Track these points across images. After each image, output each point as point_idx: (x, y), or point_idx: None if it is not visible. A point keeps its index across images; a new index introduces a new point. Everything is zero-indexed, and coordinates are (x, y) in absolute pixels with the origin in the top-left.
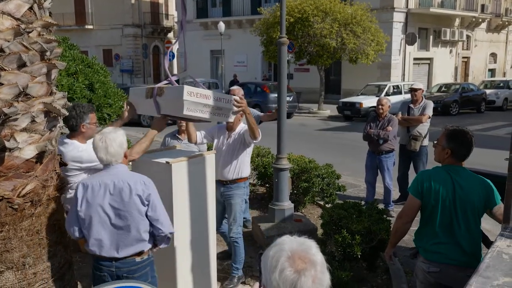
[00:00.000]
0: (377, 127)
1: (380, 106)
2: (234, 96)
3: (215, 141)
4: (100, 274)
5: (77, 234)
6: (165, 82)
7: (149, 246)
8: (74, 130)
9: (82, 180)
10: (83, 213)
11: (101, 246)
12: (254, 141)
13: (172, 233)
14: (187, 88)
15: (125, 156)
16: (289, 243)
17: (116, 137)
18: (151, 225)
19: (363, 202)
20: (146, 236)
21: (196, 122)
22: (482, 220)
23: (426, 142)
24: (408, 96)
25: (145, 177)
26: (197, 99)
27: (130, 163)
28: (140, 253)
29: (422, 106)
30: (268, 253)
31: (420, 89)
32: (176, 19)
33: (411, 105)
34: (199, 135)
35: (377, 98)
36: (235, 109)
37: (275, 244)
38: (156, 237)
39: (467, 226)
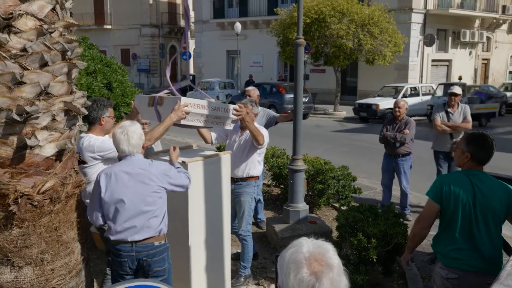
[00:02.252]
0: (393, 130)
1: (397, 109)
2: (233, 105)
3: (228, 139)
4: (120, 260)
5: (100, 221)
6: (166, 91)
7: (166, 228)
8: (93, 123)
9: (103, 169)
10: (108, 200)
11: (124, 231)
12: (259, 147)
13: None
14: (183, 100)
15: (142, 147)
16: (306, 245)
17: (136, 129)
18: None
19: (379, 205)
20: (165, 217)
21: (198, 128)
22: (503, 226)
23: None
24: (426, 98)
25: (162, 163)
26: (193, 110)
27: None
28: (158, 235)
29: (462, 111)
30: (285, 254)
31: (460, 94)
32: (193, 20)
33: (449, 110)
34: (213, 136)
35: (394, 99)
36: (234, 117)
37: (292, 246)
38: None
39: (487, 232)
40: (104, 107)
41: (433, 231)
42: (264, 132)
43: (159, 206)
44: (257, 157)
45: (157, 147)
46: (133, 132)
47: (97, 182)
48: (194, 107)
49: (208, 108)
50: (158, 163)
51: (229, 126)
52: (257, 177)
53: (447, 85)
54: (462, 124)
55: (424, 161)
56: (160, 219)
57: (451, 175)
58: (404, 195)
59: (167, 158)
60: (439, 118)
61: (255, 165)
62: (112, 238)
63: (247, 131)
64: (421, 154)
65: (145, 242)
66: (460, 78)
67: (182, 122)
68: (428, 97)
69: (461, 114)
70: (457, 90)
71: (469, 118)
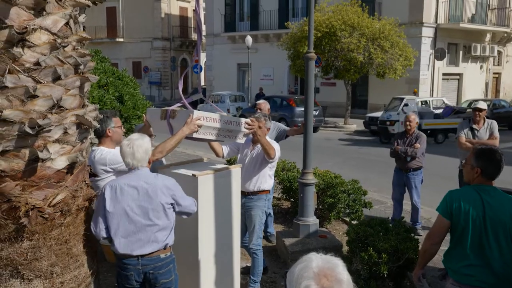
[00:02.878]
0: (404, 144)
1: (408, 123)
2: (244, 119)
3: (240, 153)
4: (126, 274)
5: (103, 233)
6: (179, 104)
7: (172, 241)
8: (101, 136)
9: (109, 182)
10: (112, 212)
11: (129, 245)
12: (271, 161)
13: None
14: (196, 113)
15: (149, 162)
16: (315, 260)
17: (142, 144)
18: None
19: (389, 219)
20: (171, 231)
21: (210, 141)
22: None
23: None
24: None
25: (167, 177)
26: (206, 123)
27: None
28: (164, 248)
29: (488, 126)
30: (294, 269)
31: (485, 109)
32: (204, 33)
33: (475, 126)
34: (225, 149)
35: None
36: (246, 131)
37: (301, 261)
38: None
39: (499, 248)
40: (108, 118)
41: (444, 246)
42: (276, 146)
43: (165, 220)
44: (268, 171)
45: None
46: (138, 146)
47: (102, 194)
48: (206, 120)
49: (220, 121)
50: (164, 178)
51: (241, 140)
52: (268, 191)
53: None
54: (488, 141)
55: (435, 175)
56: (166, 233)
57: (460, 190)
58: (415, 209)
59: (178, 171)
60: (464, 135)
61: (266, 179)
62: (117, 252)
63: (259, 145)
64: (433, 168)
65: (151, 255)
66: (415, 92)
67: (194, 135)
68: (440, 111)
69: (487, 130)
70: (481, 105)
71: (496, 133)
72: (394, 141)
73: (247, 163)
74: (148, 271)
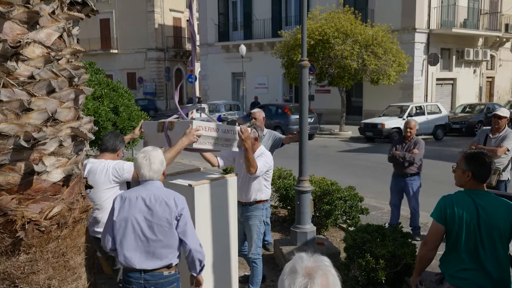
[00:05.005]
0: (403, 149)
1: (408, 129)
2: (237, 127)
3: (236, 163)
4: (129, 287)
5: (110, 244)
6: (175, 116)
7: (178, 261)
8: (110, 151)
9: (120, 193)
10: (118, 223)
11: (132, 257)
12: (250, 175)
13: (200, 252)
14: (195, 123)
15: (163, 174)
16: (304, 256)
17: (157, 155)
18: (179, 240)
19: (387, 225)
20: (176, 250)
21: (204, 152)
22: (510, 245)
23: (506, 175)
24: (432, 117)
25: (178, 194)
26: (204, 133)
27: None
28: (169, 267)
29: (502, 136)
30: (285, 270)
31: (505, 117)
32: (198, 43)
33: (490, 134)
34: (220, 160)
35: (399, 119)
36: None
37: (290, 262)
38: (186, 258)
39: (493, 252)
40: (123, 142)
41: (441, 251)
42: (268, 156)
43: (169, 237)
44: (263, 182)
45: None
46: (155, 158)
47: (112, 204)
48: (205, 130)
49: (219, 131)
50: (175, 195)
51: (236, 148)
52: (265, 201)
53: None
54: (487, 147)
55: (433, 181)
56: (171, 251)
57: (454, 195)
58: (414, 215)
59: (174, 181)
60: (476, 141)
61: (263, 189)
62: (121, 264)
63: (256, 154)
64: (430, 173)
65: (154, 271)
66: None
67: (195, 146)
68: (434, 116)
69: (499, 140)
70: (502, 112)
71: (507, 144)
72: (393, 146)
73: (244, 174)
74: (149, 286)
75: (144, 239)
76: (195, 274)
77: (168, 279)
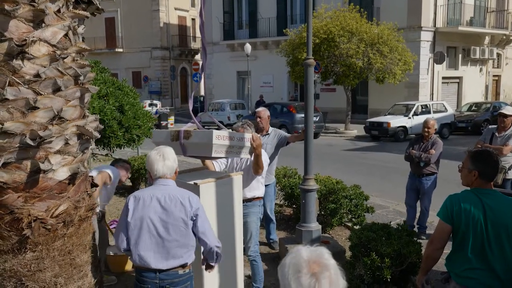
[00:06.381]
0: (420, 149)
1: (426, 129)
2: (248, 135)
3: (229, 162)
4: (143, 286)
5: (124, 244)
6: (190, 124)
7: (193, 259)
8: None
9: (134, 192)
10: (133, 224)
11: (147, 257)
12: (255, 175)
13: (218, 247)
14: (215, 133)
15: (175, 173)
16: (303, 250)
17: (171, 152)
18: (198, 238)
19: (391, 222)
20: (191, 249)
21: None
22: None
23: (511, 174)
24: (438, 115)
25: (193, 193)
26: (223, 142)
27: None
28: (183, 266)
29: (508, 134)
30: (285, 261)
31: (511, 115)
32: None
33: (496, 133)
34: (216, 165)
35: (405, 117)
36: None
37: (290, 253)
38: (204, 252)
39: (501, 251)
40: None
41: (447, 249)
42: (264, 155)
43: (185, 236)
44: (260, 178)
45: None
46: (168, 154)
47: (126, 204)
48: (224, 139)
49: (234, 139)
50: (190, 194)
51: (246, 155)
52: (261, 198)
53: None
54: (493, 146)
55: (439, 180)
56: (186, 251)
57: (460, 194)
58: (423, 214)
59: (180, 179)
60: (482, 140)
61: (259, 186)
62: (135, 263)
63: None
64: (446, 174)
65: (169, 271)
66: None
67: (214, 154)
68: (440, 115)
69: (505, 138)
70: (508, 110)
71: (510, 143)
72: (410, 145)
73: (244, 171)
74: (164, 285)
75: (160, 239)
76: (212, 264)
77: (183, 278)
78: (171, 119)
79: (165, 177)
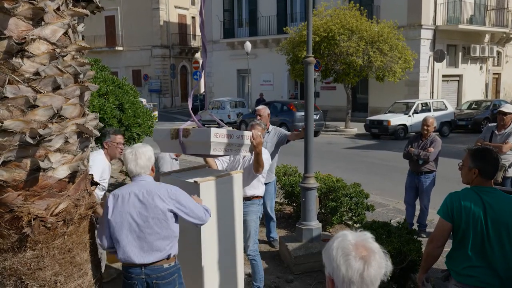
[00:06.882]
0: (418, 147)
1: (425, 127)
2: (248, 132)
3: (231, 161)
4: (130, 283)
5: (105, 242)
6: (189, 122)
7: (176, 250)
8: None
9: (113, 191)
10: (113, 221)
11: (131, 253)
12: (257, 174)
13: (207, 210)
14: (213, 131)
15: (152, 170)
16: (349, 234)
17: (145, 151)
18: (191, 223)
19: (391, 220)
20: (174, 240)
21: (211, 157)
22: None
23: (511, 172)
24: (438, 114)
25: (170, 185)
26: (222, 140)
27: None
28: (168, 258)
29: (508, 132)
30: (332, 244)
31: (511, 113)
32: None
33: (495, 131)
34: (218, 163)
35: (405, 115)
36: (249, 144)
37: (336, 237)
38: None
39: (501, 249)
40: (108, 133)
41: (447, 247)
42: (265, 153)
43: (166, 228)
44: (260, 178)
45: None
46: (141, 154)
47: (105, 203)
48: (222, 137)
49: (233, 137)
50: (167, 186)
51: (246, 153)
52: (261, 197)
53: None
54: (493, 144)
55: (439, 178)
56: (169, 242)
57: (461, 192)
58: (423, 212)
59: (180, 178)
60: (481, 138)
61: (259, 185)
62: (121, 260)
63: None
64: (447, 172)
65: (154, 265)
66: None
67: (212, 152)
68: (440, 113)
69: (505, 136)
70: (507, 108)
71: (510, 141)
72: (409, 143)
73: (244, 170)
74: (151, 281)
75: (142, 234)
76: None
77: (169, 271)
78: (155, 115)
79: (141, 175)
